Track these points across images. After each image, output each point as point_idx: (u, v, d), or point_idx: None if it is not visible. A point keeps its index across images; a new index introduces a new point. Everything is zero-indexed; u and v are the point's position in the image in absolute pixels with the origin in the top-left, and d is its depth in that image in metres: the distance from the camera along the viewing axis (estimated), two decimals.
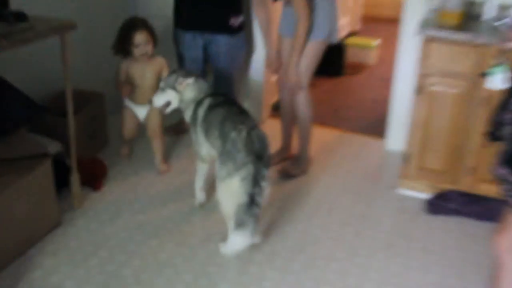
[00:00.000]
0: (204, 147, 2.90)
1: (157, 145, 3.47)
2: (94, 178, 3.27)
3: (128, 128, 3.49)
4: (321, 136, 3.77)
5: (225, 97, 2.95)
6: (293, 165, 3.58)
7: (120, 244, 2.78)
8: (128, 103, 3.42)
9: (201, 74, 3.80)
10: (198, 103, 2.88)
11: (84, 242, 2.79)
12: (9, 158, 2.70)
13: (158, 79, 3.27)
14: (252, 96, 4.23)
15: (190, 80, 2.89)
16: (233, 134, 2.59)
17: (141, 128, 3.54)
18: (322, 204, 3.26)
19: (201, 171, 3.06)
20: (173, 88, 2.90)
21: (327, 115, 4.53)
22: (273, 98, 4.52)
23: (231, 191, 2.56)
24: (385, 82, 5.29)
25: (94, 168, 3.33)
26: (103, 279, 2.54)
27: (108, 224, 2.94)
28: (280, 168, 3.55)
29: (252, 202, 2.53)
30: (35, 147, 2.85)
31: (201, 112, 2.85)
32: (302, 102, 3.46)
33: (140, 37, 3.21)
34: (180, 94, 2.91)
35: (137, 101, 3.38)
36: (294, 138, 3.69)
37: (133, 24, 3.23)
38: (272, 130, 4.20)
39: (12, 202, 2.54)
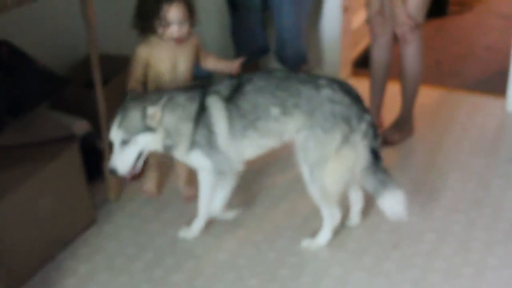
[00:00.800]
0: (238, 153, 2.76)
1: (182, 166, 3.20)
2: None
3: None
4: (419, 96, 3.80)
5: (231, 78, 2.80)
6: (393, 130, 3.68)
7: (169, 243, 2.95)
8: None
9: (260, 26, 3.90)
10: (198, 114, 2.67)
11: (124, 243, 2.97)
12: (27, 144, 2.90)
13: (192, 67, 3.07)
14: (326, 50, 4.30)
15: (163, 100, 2.59)
16: (326, 92, 2.64)
17: None
18: (422, 185, 3.32)
19: (230, 186, 2.85)
20: (145, 129, 2.59)
21: (426, 70, 4.53)
22: (354, 52, 4.58)
23: (350, 159, 2.68)
24: (506, 20, 5.23)
25: None
26: (149, 287, 2.73)
27: (154, 220, 3.12)
28: None
29: (376, 158, 2.72)
30: (58, 128, 3.04)
31: (217, 114, 2.67)
32: (414, 51, 3.53)
33: (175, 13, 2.85)
34: (160, 129, 2.62)
35: None
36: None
37: None
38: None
39: (35, 197, 2.73)
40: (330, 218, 2.85)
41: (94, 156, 3.21)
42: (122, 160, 2.60)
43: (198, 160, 2.75)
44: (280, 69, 2.80)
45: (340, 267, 2.79)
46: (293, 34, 3.85)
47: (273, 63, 4.26)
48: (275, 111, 2.67)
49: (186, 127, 2.65)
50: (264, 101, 2.67)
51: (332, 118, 2.62)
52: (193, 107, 2.66)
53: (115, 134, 2.59)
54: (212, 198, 2.88)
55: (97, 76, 3.08)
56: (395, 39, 3.60)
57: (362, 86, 3.93)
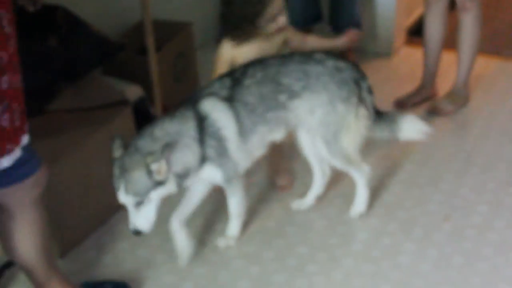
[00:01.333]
0: (246, 155, 2.59)
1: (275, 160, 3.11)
2: None
3: None
4: (475, 66, 3.74)
5: (220, 77, 2.57)
6: (447, 100, 3.64)
7: (219, 210, 2.97)
8: None
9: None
10: (199, 128, 2.42)
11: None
12: (80, 108, 2.95)
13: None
14: (381, 17, 4.24)
15: (166, 151, 2.28)
16: (331, 63, 2.61)
17: None
18: (476, 157, 3.28)
19: (241, 192, 2.70)
20: (155, 186, 2.30)
21: (483, 39, 4.45)
22: (409, 19, 4.51)
23: (366, 117, 2.68)
24: None
25: None
26: (200, 251, 2.76)
27: None
28: (429, 104, 3.69)
29: (375, 108, 2.76)
30: (111, 93, 3.08)
31: (222, 117, 2.46)
32: (472, 19, 3.47)
33: (279, 3, 2.71)
34: (171, 176, 2.35)
35: None
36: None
37: None
38: (410, 61, 4.22)
39: (88, 161, 2.79)
40: (361, 176, 2.83)
41: (147, 120, 3.24)
42: (143, 220, 2.35)
43: (209, 173, 2.52)
44: (270, 56, 2.67)
45: (389, 237, 2.78)
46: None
47: (326, 31, 4.23)
48: (282, 98, 2.56)
49: (193, 152, 2.42)
50: (269, 90, 2.54)
51: (345, 86, 2.60)
52: (190, 126, 2.41)
53: (125, 200, 2.32)
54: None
55: (150, 42, 3.12)
56: (451, 7, 3.53)
57: (416, 55, 3.92)
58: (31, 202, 2.11)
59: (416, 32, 4.36)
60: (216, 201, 2.99)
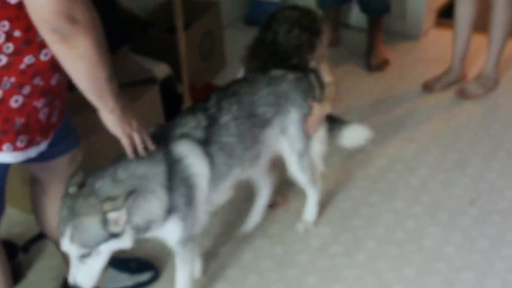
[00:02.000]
0: (209, 205, 2.26)
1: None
2: None
3: None
4: (506, 50, 3.70)
5: (192, 111, 2.25)
6: (476, 83, 3.61)
7: (245, 189, 2.97)
8: None
9: None
10: (169, 173, 2.06)
11: None
12: None
13: None
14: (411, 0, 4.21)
15: (130, 200, 1.89)
16: (290, 76, 2.43)
17: None
18: (504, 141, 3.25)
19: (194, 257, 2.36)
20: (107, 238, 1.89)
21: None
22: (439, 0, 4.47)
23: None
24: None
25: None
26: (225, 230, 2.79)
27: None
28: (457, 87, 3.65)
29: None
30: (139, 71, 3.09)
31: (196, 162, 2.13)
32: (504, 2, 3.41)
33: (327, 39, 2.71)
34: (128, 229, 1.94)
35: None
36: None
37: (315, 17, 2.66)
38: (439, 43, 4.18)
39: (115, 139, 2.81)
40: (316, 192, 2.75)
41: (174, 98, 3.27)
42: (85, 275, 1.95)
43: (173, 228, 2.15)
44: (236, 81, 2.43)
45: (414, 220, 2.78)
46: None
47: (354, 12, 4.21)
48: (256, 131, 2.34)
49: (160, 202, 2.04)
50: (247, 126, 2.30)
51: (308, 95, 2.48)
52: (160, 170, 2.03)
53: (69, 249, 1.91)
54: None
55: (179, 20, 3.12)
56: None
57: (445, 37, 3.89)
58: (66, 178, 2.15)
59: (446, 14, 4.31)
60: (241, 185, 3.00)
